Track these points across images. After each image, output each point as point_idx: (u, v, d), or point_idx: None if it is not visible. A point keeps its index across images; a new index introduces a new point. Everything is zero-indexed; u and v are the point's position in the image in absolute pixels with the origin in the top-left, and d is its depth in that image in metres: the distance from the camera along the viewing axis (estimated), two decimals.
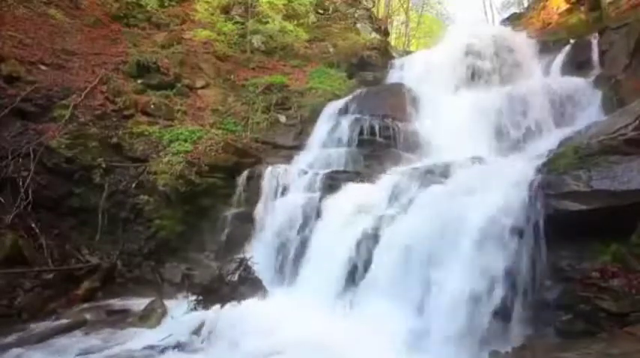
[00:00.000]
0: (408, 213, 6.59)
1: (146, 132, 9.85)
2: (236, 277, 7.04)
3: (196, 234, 9.15)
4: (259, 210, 8.75)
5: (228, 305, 6.45)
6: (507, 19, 18.28)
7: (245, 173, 9.44)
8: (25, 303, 6.93)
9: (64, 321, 6.67)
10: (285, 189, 8.83)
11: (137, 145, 9.63)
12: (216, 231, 8.97)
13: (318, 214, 7.90)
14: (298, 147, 10.57)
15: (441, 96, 10.42)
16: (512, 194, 5.46)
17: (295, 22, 14.57)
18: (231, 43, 13.59)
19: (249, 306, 6.46)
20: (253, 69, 13.35)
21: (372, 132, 9.74)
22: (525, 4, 20.71)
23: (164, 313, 6.76)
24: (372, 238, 6.68)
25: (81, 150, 9.02)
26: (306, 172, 8.96)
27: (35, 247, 7.89)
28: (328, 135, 10.23)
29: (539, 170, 5.77)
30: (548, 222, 5.09)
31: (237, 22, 14.05)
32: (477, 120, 9.23)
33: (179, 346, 5.67)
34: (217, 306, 6.43)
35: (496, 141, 8.83)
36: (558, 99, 8.70)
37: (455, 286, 5.20)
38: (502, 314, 5.03)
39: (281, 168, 9.25)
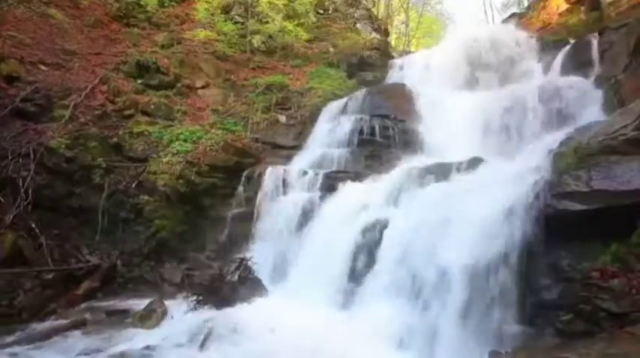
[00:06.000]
0: (408, 213, 6.60)
1: (146, 132, 9.86)
2: (236, 277, 7.05)
3: (196, 234, 9.15)
4: (259, 209, 8.76)
5: (228, 305, 6.46)
6: (508, 19, 18.27)
7: (245, 173, 9.45)
8: (25, 303, 6.91)
9: (64, 321, 6.66)
10: (285, 189, 8.84)
11: (137, 145, 9.65)
12: (216, 231, 8.97)
13: (318, 214, 7.91)
14: (298, 147, 10.58)
15: (441, 96, 10.41)
16: (511, 194, 5.46)
17: (295, 22, 14.53)
18: (231, 43, 13.58)
19: (249, 306, 6.48)
20: (253, 69, 13.35)
21: (372, 132, 9.76)
22: (525, 4, 20.72)
23: (164, 313, 6.75)
24: (371, 238, 6.69)
25: (81, 150, 9.03)
26: (306, 172, 8.97)
27: (35, 247, 7.88)
28: (328, 135, 10.24)
29: (539, 170, 5.76)
30: (548, 222, 5.08)
31: (237, 22, 14.05)
32: (477, 120, 9.23)
33: (179, 346, 5.65)
34: (217, 306, 6.45)
35: (496, 141, 8.82)
36: (558, 99, 8.69)
37: (453, 286, 5.20)
38: (501, 313, 5.02)
39: (281, 168, 9.26)
